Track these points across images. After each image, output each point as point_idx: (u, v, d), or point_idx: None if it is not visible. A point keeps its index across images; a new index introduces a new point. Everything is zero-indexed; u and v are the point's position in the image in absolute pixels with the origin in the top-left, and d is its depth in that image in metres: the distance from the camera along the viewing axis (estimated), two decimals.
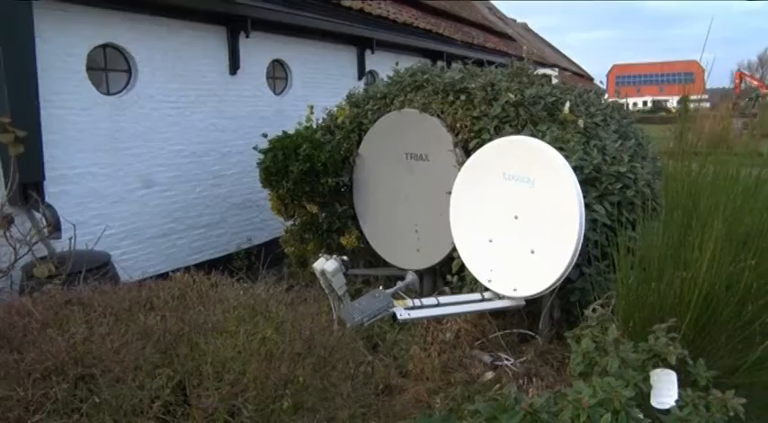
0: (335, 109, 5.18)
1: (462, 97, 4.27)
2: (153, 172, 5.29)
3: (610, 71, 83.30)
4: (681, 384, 2.35)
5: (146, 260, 5.19)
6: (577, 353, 2.38)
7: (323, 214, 4.92)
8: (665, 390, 2.30)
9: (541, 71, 6.90)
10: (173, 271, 2.73)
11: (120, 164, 4.98)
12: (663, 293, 2.68)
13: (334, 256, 3.69)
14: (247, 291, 2.30)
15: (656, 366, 2.37)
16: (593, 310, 2.56)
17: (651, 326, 2.50)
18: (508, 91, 4.15)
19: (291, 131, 4.96)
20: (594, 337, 2.43)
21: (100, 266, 3.93)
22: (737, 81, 39.40)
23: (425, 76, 4.62)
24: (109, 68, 5.09)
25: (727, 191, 3.11)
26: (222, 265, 4.86)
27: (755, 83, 42.17)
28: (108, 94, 5.01)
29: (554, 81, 5.15)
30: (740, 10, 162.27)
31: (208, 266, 3.90)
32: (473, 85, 4.28)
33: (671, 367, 2.36)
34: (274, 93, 6.95)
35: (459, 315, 3.72)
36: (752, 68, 71.83)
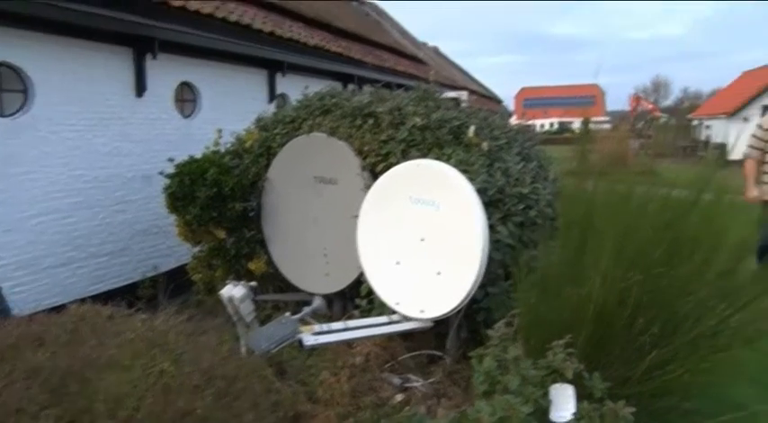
0: (244, 133, 5.13)
1: (370, 121, 4.32)
2: (51, 198, 5.06)
3: (517, 94, 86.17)
4: (578, 397, 2.45)
5: (42, 291, 4.94)
6: (480, 372, 2.43)
7: (231, 240, 4.84)
8: (563, 403, 2.39)
9: (451, 94, 7.07)
10: (72, 302, 2.62)
11: (12, 190, 4.74)
12: (560, 310, 2.77)
13: (242, 281, 3.63)
14: (146, 322, 2.23)
15: (554, 381, 2.46)
16: (495, 330, 2.63)
17: (550, 343, 2.59)
18: (415, 115, 4.23)
19: (200, 156, 4.88)
20: (496, 356, 2.49)
21: None
22: (634, 104, 41.49)
23: (334, 100, 4.65)
24: (3, 89, 4.86)
25: (620, 210, 3.27)
26: (126, 294, 4.70)
27: (650, 106, 44.57)
28: (1, 115, 4.78)
29: (463, 104, 5.28)
30: (635, 39, 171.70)
31: (110, 296, 3.77)
32: (381, 109, 4.34)
33: (568, 381, 2.45)
34: (182, 116, 6.82)
35: (368, 338, 3.72)
36: (647, 93, 76.01)
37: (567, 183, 4.02)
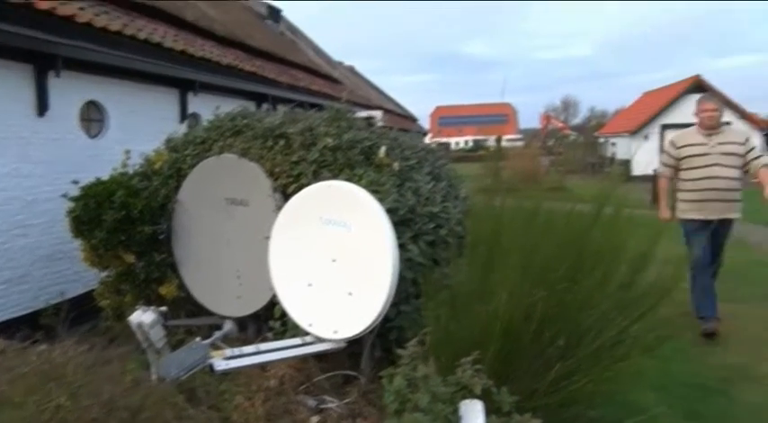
0: (153, 154, 5.01)
1: (281, 142, 4.31)
2: None
3: (432, 112, 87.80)
4: (487, 412, 2.51)
5: None
6: (390, 392, 2.46)
7: (140, 264, 4.70)
8: (473, 419, 2.44)
9: (366, 114, 7.14)
10: None
11: None
12: (469, 327, 2.84)
13: (153, 307, 3.53)
14: (42, 354, 2.14)
15: (464, 398, 2.51)
16: (406, 349, 2.66)
17: (460, 359, 2.65)
18: (326, 136, 4.25)
19: (107, 177, 4.73)
20: (406, 374, 2.53)
21: None
22: (545, 122, 43.08)
23: (245, 121, 4.62)
24: None
25: (525, 226, 3.39)
26: (25, 323, 4.48)
27: (560, 125, 46.38)
28: None
29: (378, 123, 5.33)
30: (545, 59, 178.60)
31: (8, 327, 3.60)
32: (292, 130, 4.34)
33: (477, 397, 2.51)
34: (89, 136, 6.60)
35: (282, 361, 3.68)
36: (557, 111, 78.97)
37: (476, 200, 4.14)
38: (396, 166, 4.17)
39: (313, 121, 4.47)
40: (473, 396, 2.49)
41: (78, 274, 5.89)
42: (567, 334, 3.00)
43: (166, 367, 3.07)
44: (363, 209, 3.38)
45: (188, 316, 4.86)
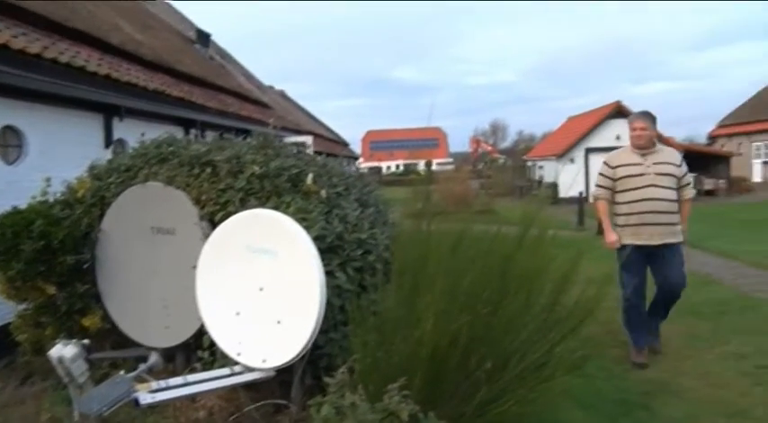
0: (75, 182, 4.89)
1: (208, 170, 4.29)
2: None
3: (364, 137, 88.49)
4: None
5: None
6: (318, 420, 2.47)
7: (62, 295, 4.55)
8: None
9: (296, 139, 7.17)
10: None
11: None
12: (396, 354, 2.88)
13: (74, 340, 3.43)
14: None
15: None
16: (333, 377, 2.68)
17: (387, 386, 2.69)
18: (254, 163, 4.25)
19: (25, 206, 4.58)
20: (334, 403, 2.54)
21: None
22: (474, 146, 43.97)
23: (171, 149, 4.57)
24: None
25: (452, 251, 3.46)
26: None
27: (489, 148, 47.42)
28: None
29: (308, 149, 5.35)
30: (474, 84, 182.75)
31: None
32: (219, 158, 4.32)
33: None
34: (5, 162, 6.39)
35: (211, 392, 3.63)
36: (486, 135, 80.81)
37: (403, 226, 4.20)
38: (323, 193, 4.20)
39: (240, 149, 4.46)
40: (400, 422, 2.52)
41: None
42: (494, 357, 3.07)
43: (88, 403, 2.98)
44: (289, 237, 3.39)
45: (113, 348, 4.73)
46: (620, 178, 5.40)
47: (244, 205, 4.03)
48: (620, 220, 5.43)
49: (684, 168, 5.44)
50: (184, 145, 4.66)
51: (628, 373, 5.23)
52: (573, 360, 3.58)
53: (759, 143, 38.57)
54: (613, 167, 5.48)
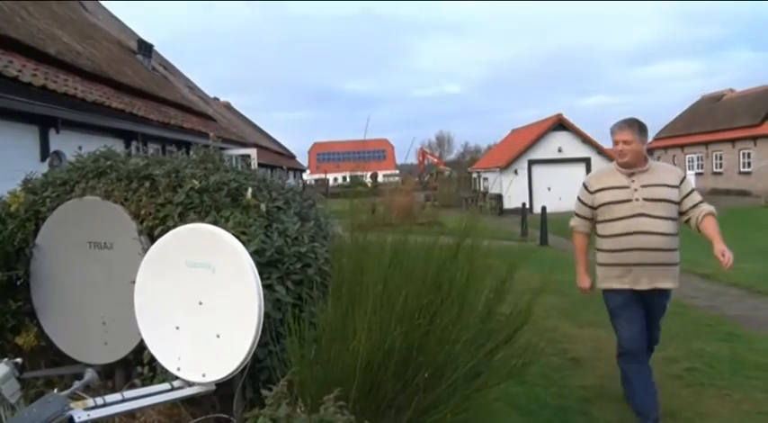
0: (8, 196, 4.79)
1: (146, 184, 4.26)
2: None
3: (311, 148, 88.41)
4: None
5: None
6: None
7: None
8: None
9: (240, 152, 7.15)
10: None
11: None
12: (333, 365, 2.94)
13: (5, 359, 3.36)
14: None
15: None
16: (270, 389, 2.72)
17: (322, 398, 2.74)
18: (193, 178, 4.25)
19: None
20: (270, 414, 2.58)
21: None
22: (421, 158, 44.42)
23: (109, 163, 4.52)
24: None
25: (389, 263, 3.54)
26: None
27: (435, 160, 47.96)
28: None
29: (252, 161, 5.36)
30: (421, 96, 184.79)
31: None
32: (158, 172, 4.30)
33: None
34: None
35: (151, 407, 3.61)
36: (432, 147, 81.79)
37: (340, 239, 4.27)
38: (263, 207, 4.23)
39: (179, 163, 4.46)
40: None
41: None
42: (429, 367, 3.16)
43: None
44: (227, 251, 3.41)
45: (48, 366, 4.63)
46: (601, 205, 4.30)
47: (183, 220, 4.03)
48: (601, 258, 4.38)
49: (687, 187, 4.25)
50: (123, 159, 4.62)
51: (567, 381, 5.40)
52: (510, 368, 3.71)
53: (692, 155, 40.25)
54: (592, 192, 4.36)
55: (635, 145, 4.18)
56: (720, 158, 37.34)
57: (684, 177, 4.31)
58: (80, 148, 5.18)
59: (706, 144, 38.14)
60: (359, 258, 3.37)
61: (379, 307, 2.95)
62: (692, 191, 4.27)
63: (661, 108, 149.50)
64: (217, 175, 4.29)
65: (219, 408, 3.93)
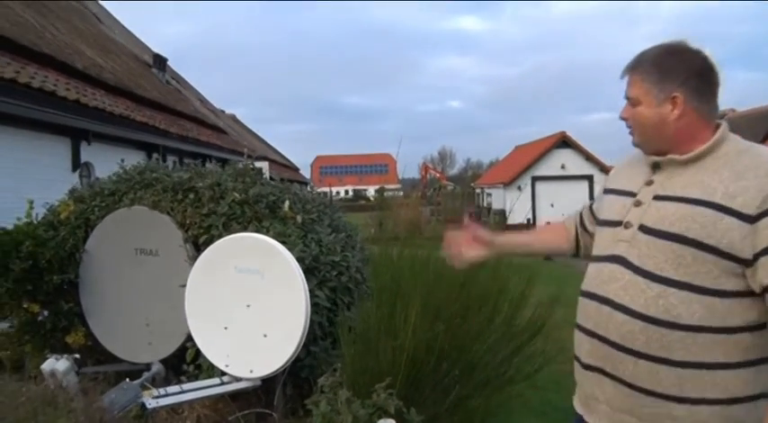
0: (57, 204, 5.12)
1: (191, 196, 4.60)
2: None
3: (314, 162, 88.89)
4: None
5: None
6: (318, 414, 2.85)
7: (46, 313, 4.77)
8: None
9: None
10: None
11: None
12: (380, 359, 3.29)
13: (65, 355, 3.68)
14: None
15: (380, 417, 2.98)
16: (325, 379, 3.06)
17: (373, 386, 3.09)
18: (234, 190, 4.58)
19: (11, 227, 4.80)
20: (329, 399, 2.92)
21: None
22: (424, 173, 44.70)
23: (154, 175, 4.86)
24: None
25: (422, 272, 3.91)
26: None
27: (438, 175, 48.26)
28: None
29: (265, 174, 5.66)
30: (423, 111, 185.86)
31: None
32: (201, 185, 4.63)
33: (391, 416, 2.97)
34: None
35: (198, 401, 3.92)
36: (435, 162, 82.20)
37: (374, 251, 4.62)
38: (299, 218, 4.56)
39: (220, 177, 4.79)
40: (388, 416, 2.94)
41: None
42: (463, 362, 3.52)
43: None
44: (276, 257, 3.74)
45: (95, 364, 4.95)
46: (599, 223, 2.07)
47: (227, 229, 4.36)
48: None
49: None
50: (167, 172, 4.95)
51: (575, 387, 5.69)
52: (528, 369, 4.07)
53: None
54: (604, 192, 2.11)
55: (644, 108, 1.81)
56: None
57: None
58: (122, 160, 5.50)
59: None
60: (398, 267, 3.72)
61: (419, 309, 3.29)
62: None
63: None
64: (255, 188, 4.62)
65: (261, 403, 4.24)
